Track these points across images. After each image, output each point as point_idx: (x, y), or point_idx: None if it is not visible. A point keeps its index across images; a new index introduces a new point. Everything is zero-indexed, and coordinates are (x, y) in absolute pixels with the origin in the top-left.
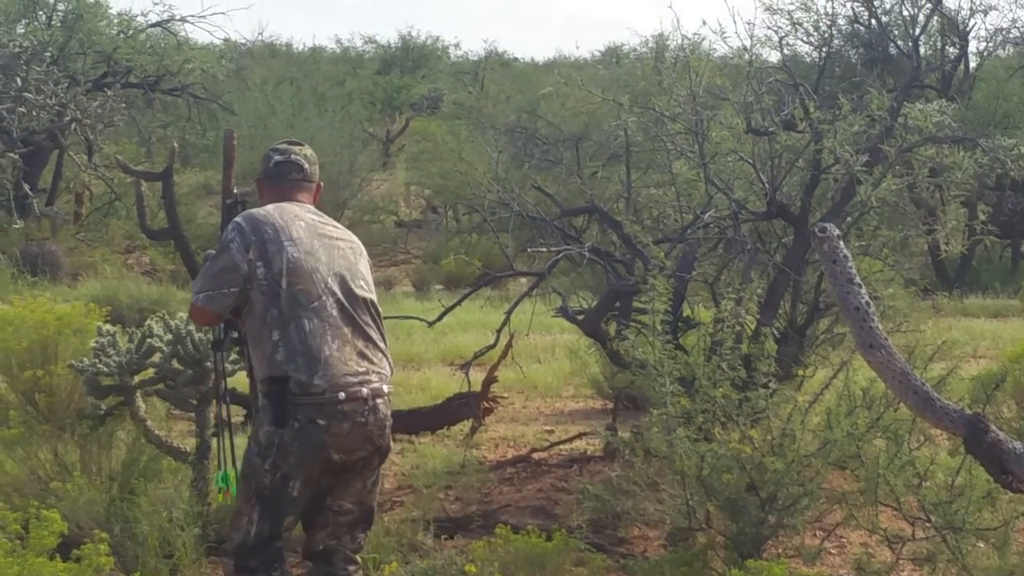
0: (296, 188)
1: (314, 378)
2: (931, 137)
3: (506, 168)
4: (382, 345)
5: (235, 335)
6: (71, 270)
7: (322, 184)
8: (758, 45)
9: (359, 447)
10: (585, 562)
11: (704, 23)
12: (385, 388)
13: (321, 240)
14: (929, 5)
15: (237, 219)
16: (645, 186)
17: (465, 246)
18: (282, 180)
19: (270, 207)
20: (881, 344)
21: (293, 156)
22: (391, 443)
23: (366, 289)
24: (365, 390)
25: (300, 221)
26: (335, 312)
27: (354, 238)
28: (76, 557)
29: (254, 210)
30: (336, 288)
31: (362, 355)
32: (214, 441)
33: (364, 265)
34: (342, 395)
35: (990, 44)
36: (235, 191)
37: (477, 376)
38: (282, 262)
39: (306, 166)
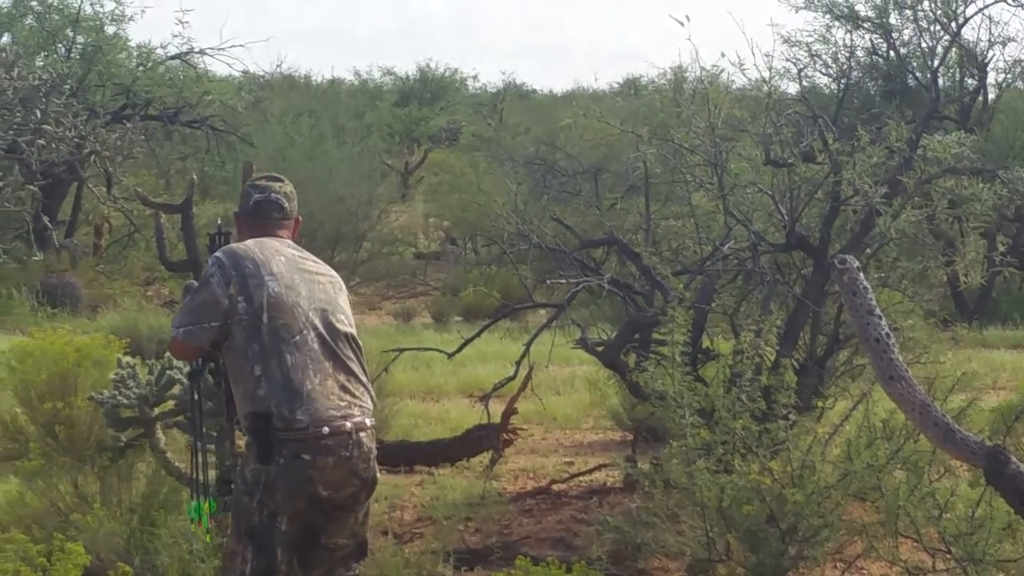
0: (275, 226)
1: (297, 413)
2: (950, 168)
3: (525, 200)
4: (364, 379)
5: (212, 366)
6: (90, 302)
7: (300, 219)
8: (777, 77)
9: (346, 482)
10: None
11: (723, 55)
12: (368, 422)
13: (301, 275)
14: (947, 37)
15: (217, 254)
16: (664, 218)
17: (484, 278)
18: (262, 218)
19: (250, 242)
20: (901, 376)
21: (273, 195)
22: (377, 474)
23: (346, 324)
24: (348, 424)
25: (280, 256)
26: (316, 346)
27: (333, 273)
28: None
29: (234, 245)
30: (317, 322)
31: (344, 389)
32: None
33: (344, 299)
34: (325, 429)
35: (1009, 76)
36: (219, 222)
37: (497, 408)
38: (263, 297)
39: (286, 204)
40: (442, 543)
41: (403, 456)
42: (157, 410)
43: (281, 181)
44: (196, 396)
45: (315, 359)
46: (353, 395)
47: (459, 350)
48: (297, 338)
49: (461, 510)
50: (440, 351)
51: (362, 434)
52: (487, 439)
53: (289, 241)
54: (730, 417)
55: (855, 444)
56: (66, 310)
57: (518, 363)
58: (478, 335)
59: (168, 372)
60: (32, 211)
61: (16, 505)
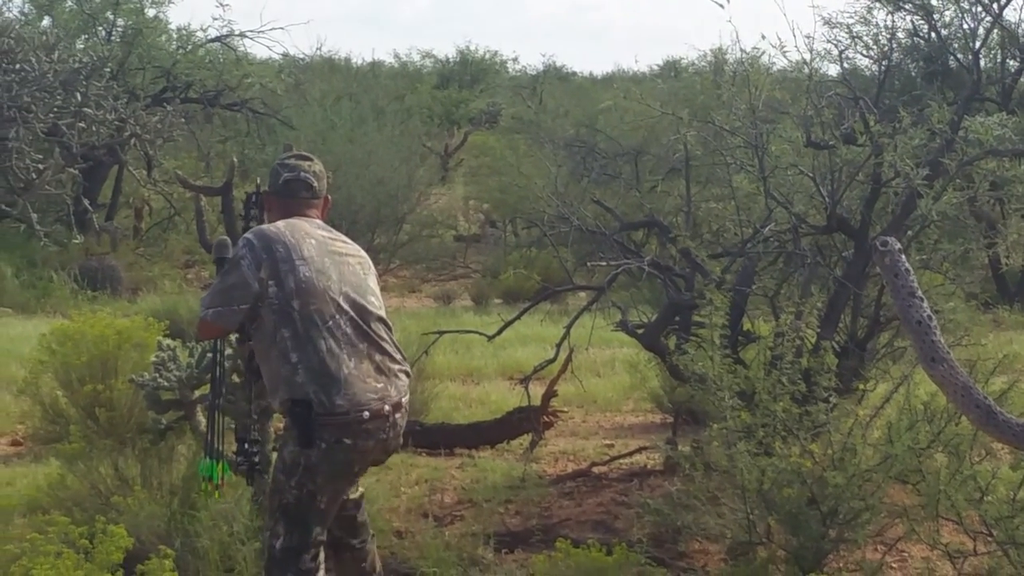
0: (305, 205)
1: (336, 399)
2: (992, 150)
3: (565, 182)
4: (398, 356)
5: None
6: (130, 285)
7: (330, 198)
8: (817, 59)
9: (377, 458)
10: None
11: (763, 37)
12: (404, 400)
13: (332, 257)
14: (989, 18)
15: (248, 235)
16: (705, 200)
17: (524, 260)
18: (291, 197)
19: (280, 224)
20: (943, 358)
21: (302, 174)
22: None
23: (377, 305)
24: (386, 406)
25: (311, 239)
26: (349, 330)
27: (362, 253)
28: (140, 572)
29: (265, 227)
30: (348, 306)
31: (379, 370)
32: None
33: (373, 280)
34: (366, 414)
35: None
36: (258, 181)
37: (537, 390)
38: (294, 282)
39: (315, 184)
40: (482, 526)
41: (443, 439)
42: (197, 392)
43: (310, 160)
44: (217, 356)
45: (349, 343)
46: (388, 375)
47: (499, 332)
48: (330, 323)
49: (501, 493)
50: (480, 333)
51: (398, 415)
52: (527, 421)
53: (319, 221)
54: (771, 399)
55: (896, 427)
56: (106, 293)
57: (558, 345)
58: (518, 317)
59: (208, 354)
60: (72, 194)
61: (57, 488)
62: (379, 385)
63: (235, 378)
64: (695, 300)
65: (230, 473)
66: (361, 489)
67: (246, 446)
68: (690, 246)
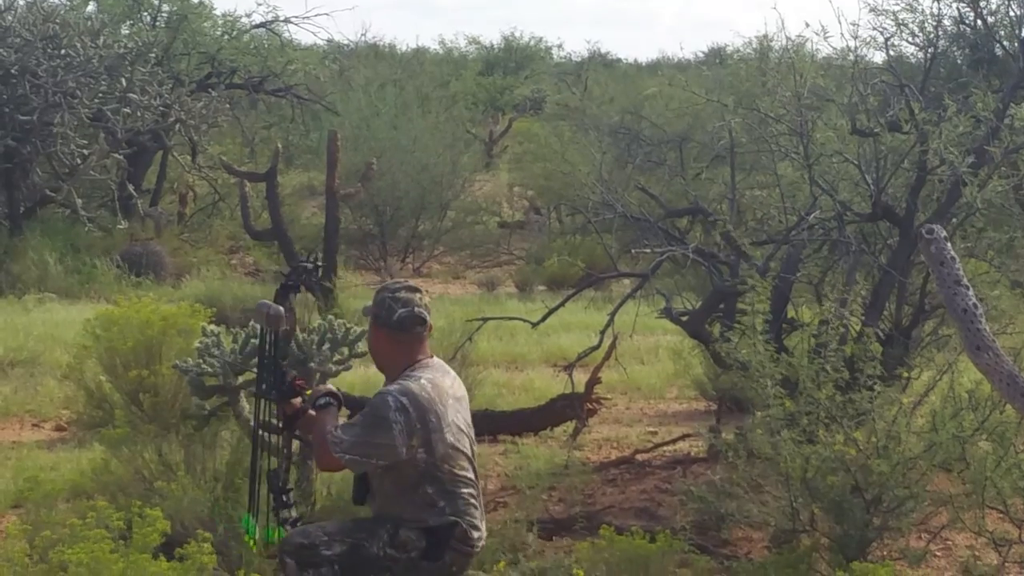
0: (418, 340)
1: (473, 532)
2: None
3: (609, 169)
4: None
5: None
6: (175, 270)
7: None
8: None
9: None
10: (689, 564)
11: (807, 24)
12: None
13: (460, 412)
14: None
15: (403, 400)
16: (749, 187)
17: (568, 247)
18: (405, 333)
19: (427, 386)
20: (988, 346)
21: (416, 309)
22: None
23: (474, 440)
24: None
25: (449, 399)
26: (472, 476)
27: (460, 380)
28: (180, 556)
29: (417, 391)
30: (470, 455)
31: (482, 516)
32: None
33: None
34: (477, 549)
35: None
36: (312, 258)
37: (580, 377)
38: (444, 449)
39: (427, 317)
40: (526, 512)
41: (487, 425)
42: (241, 378)
43: (419, 291)
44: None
45: (476, 495)
46: (484, 519)
47: (543, 319)
48: (467, 476)
49: (545, 479)
50: (524, 320)
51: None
52: (571, 408)
53: (441, 365)
54: (814, 387)
55: (940, 414)
56: (150, 279)
57: (602, 332)
58: (562, 304)
59: (252, 341)
60: (117, 179)
61: (101, 473)
62: (483, 531)
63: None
64: (739, 287)
65: (270, 532)
66: None
67: (284, 498)
68: (731, 232)
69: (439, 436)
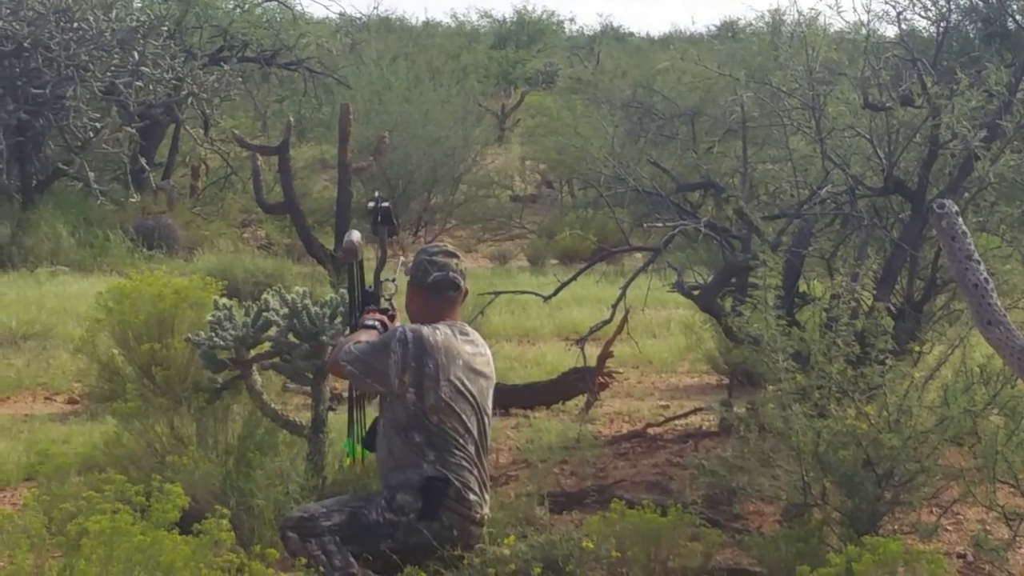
0: (450, 303)
1: (468, 494)
2: None
3: (621, 143)
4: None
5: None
6: (187, 244)
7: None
8: (875, 20)
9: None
10: (700, 537)
11: None
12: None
13: (473, 379)
14: None
15: (408, 335)
16: (761, 161)
17: (580, 221)
18: (438, 296)
19: (439, 336)
20: (1000, 321)
21: (451, 274)
22: None
23: (490, 424)
24: (484, 527)
25: (460, 359)
26: (472, 450)
27: (491, 370)
28: (197, 531)
29: (425, 334)
30: (475, 429)
31: (484, 488)
32: (329, 414)
33: (491, 394)
34: (475, 516)
35: None
36: (376, 195)
37: (592, 351)
38: (435, 400)
39: (462, 282)
40: (537, 486)
41: (499, 399)
42: (253, 352)
43: (457, 257)
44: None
45: (472, 462)
46: (487, 491)
47: (555, 293)
48: (461, 440)
49: (556, 453)
50: (536, 294)
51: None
52: (583, 382)
53: (461, 325)
54: (826, 361)
55: (952, 389)
56: (162, 252)
57: (614, 306)
58: (574, 278)
59: (264, 314)
60: (129, 153)
61: (113, 446)
62: (487, 504)
63: (291, 337)
64: (751, 262)
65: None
66: None
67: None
68: (742, 207)
69: (431, 384)
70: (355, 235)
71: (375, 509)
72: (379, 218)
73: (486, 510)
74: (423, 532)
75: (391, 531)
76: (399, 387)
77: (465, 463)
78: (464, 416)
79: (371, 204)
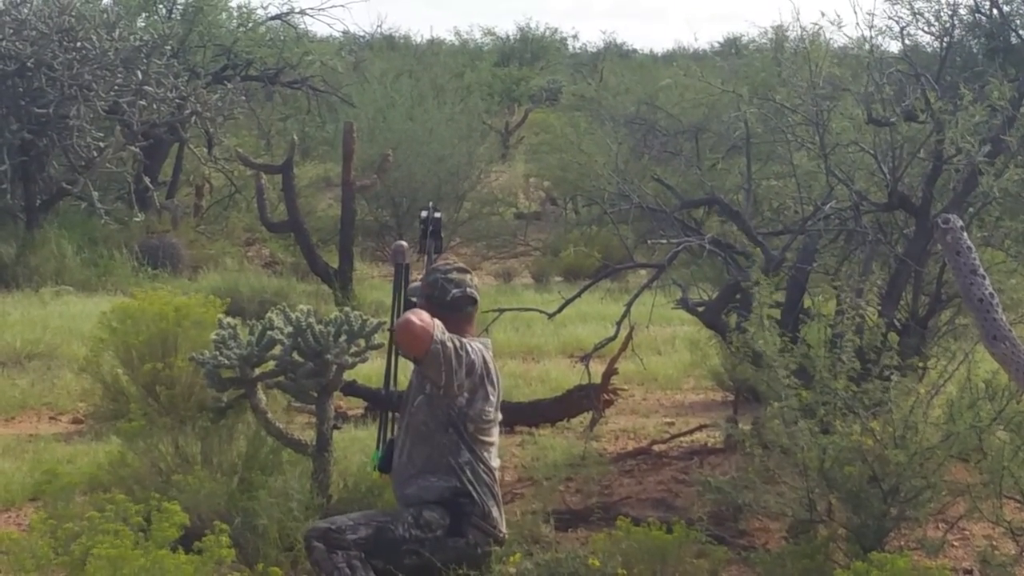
0: (468, 319)
1: (493, 509)
2: None
3: (625, 160)
4: None
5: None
6: (191, 263)
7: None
8: (878, 35)
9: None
10: (706, 554)
11: (823, 14)
12: None
13: (498, 393)
14: None
15: (485, 353)
16: (765, 177)
17: (584, 238)
18: (458, 312)
19: (489, 356)
20: (1005, 335)
21: (468, 290)
22: None
23: None
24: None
25: (495, 375)
26: (495, 465)
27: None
28: (198, 549)
29: (486, 355)
30: (497, 445)
31: (500, 506)
32: (334, 433)
33: None
34: (498, 534)
35: None
36: (431, 204)
37: (597, 368)
38: (477, 412)
39: (478, 298)
40: (543, 503)
41: (503, 416)
42: (258, 371)
43: (469, 273)
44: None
45: (494, 480)
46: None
47: (559, 310)
48: (486, 454)
49: (562, 470)
50: (540, 311)
51: None
52: (587, 399)
53: (490, 345)
54: (830, 377)
55: (957, 404)
56: (167, 271)
57: (619, 323)
58: (578, 295)
59: (269, 333)
60: (133, 172)
61: (117, 465)
62: (504, 518)
63: (296, 356)
64: (744, 282)
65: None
66: None
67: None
68: (741, 227)
69: (483, 393)
70: (403, 242)
71: (402, 525)
72: (430, 229)
73: (504, 528)
74: (448, 549)
75: (417, 547)
76: (459, 386)
77: (487, 478)
78: (493, 431)
79: (424, 213)
